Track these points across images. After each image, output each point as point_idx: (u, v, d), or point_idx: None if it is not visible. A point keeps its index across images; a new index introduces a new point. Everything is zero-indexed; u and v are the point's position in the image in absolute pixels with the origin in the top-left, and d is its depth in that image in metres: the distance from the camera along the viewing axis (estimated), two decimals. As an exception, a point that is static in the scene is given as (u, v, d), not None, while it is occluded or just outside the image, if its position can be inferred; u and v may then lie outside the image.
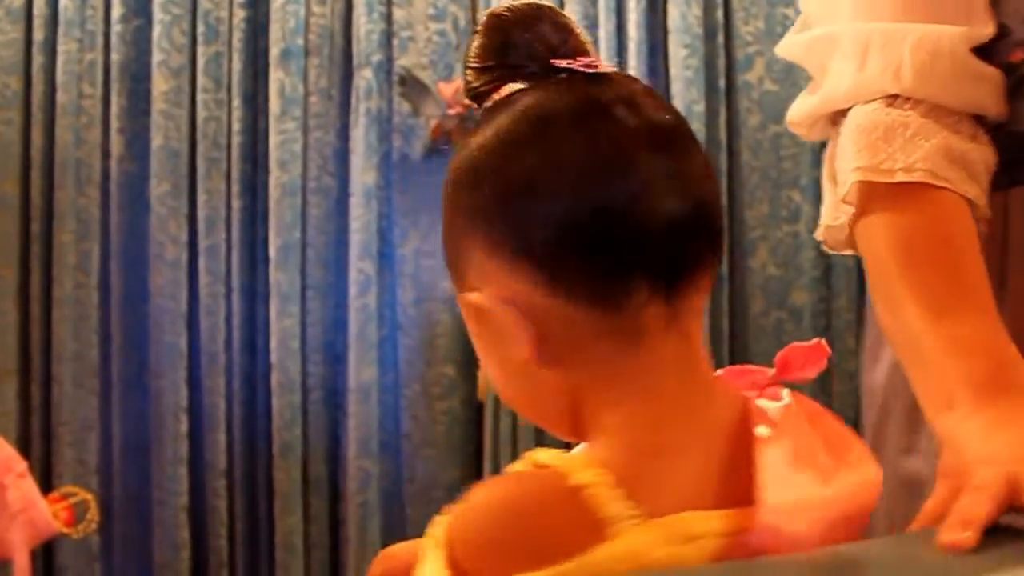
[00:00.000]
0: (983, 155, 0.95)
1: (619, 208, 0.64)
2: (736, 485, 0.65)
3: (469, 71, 0.71)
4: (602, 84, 0.68)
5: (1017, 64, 0.97)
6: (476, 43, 0.71)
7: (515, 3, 0.70)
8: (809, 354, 0.73)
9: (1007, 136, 0.99)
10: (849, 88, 0.96)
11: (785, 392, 0.72)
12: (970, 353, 0.82)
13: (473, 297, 0.67)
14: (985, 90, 0.96)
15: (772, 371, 0.73)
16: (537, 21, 0.69)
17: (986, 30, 0.95)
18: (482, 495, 0.64)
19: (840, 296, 2.60)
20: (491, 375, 0.72)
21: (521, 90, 0.68)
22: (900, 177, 0.90)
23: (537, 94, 0.67)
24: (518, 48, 0.69)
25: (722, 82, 2.59)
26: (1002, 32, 0.97)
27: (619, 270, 0.64)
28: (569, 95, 0.67)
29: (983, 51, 0.96)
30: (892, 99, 0.95)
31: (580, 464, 0.63)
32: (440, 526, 0.63)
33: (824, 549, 0.67)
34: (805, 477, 0.67)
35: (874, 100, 0.95)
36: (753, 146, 2.61)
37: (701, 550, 0.62)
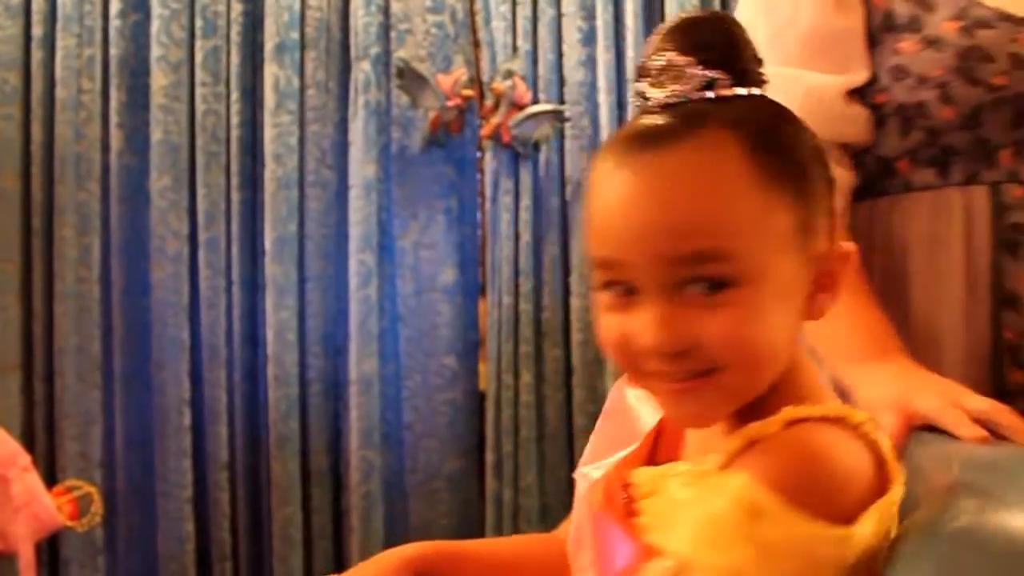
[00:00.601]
0: (844, 176, 1.29)
1: None
2: None
3: (748, 60, 0.80)
4: None
5: (880, 105, 1.30)
6: (746, 44, 0.80)
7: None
8: None
9: (874, 159, 1.32)
10: None
11: None
12: (866, 325, 1.14)
13: (849, 247, 0.81)
14: (852, 127, 1.30)
15: None
16: None
17: (861, 76, 1.28)
18: (802, 448, 0.71)
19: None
20: (772, 332, 0.76)
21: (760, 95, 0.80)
22: None
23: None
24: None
25: (719, 71, 2.60)
26: (872, 80, 1.29)
27: None
28: None
29: (861, 90, 1.30)
30: None
31: (847, 409, 0.75)
32: (745, 492, 0.68)
33: None
34: None
35: None
36: (751, 135, 2.62)
37: None
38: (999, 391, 1.20)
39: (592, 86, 2.55)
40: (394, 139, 2.56)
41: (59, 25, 2.55)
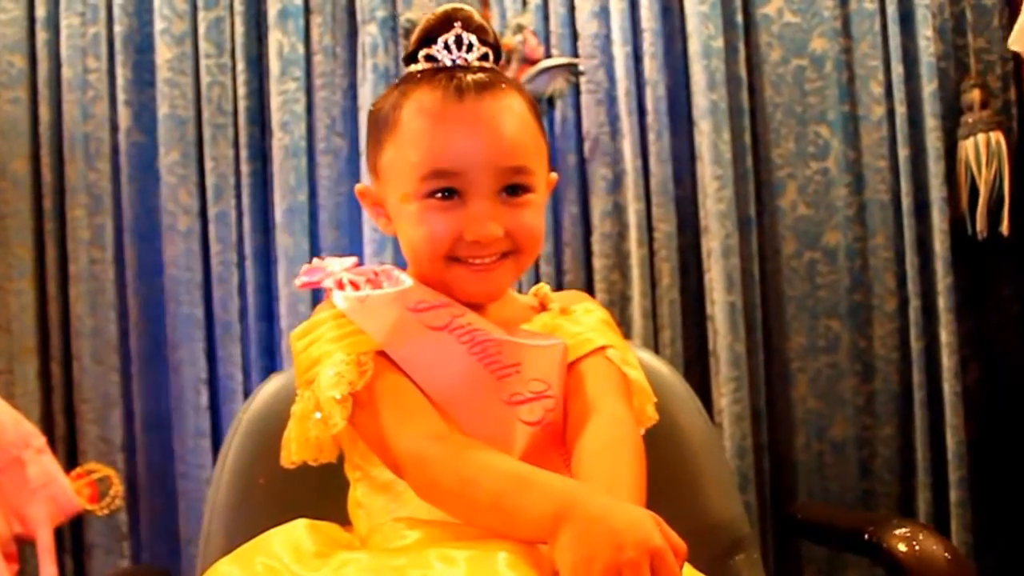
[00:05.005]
0: None
1: None
2: None
3: (496, 41, 1.15)
4: None
5: None
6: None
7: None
8: None
9: None
10: None
11: None
12: None
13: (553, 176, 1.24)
14: None
15: None
16: None
17: None
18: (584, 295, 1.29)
19: (876, 235, 2.48)
20: (542, 226, 1.15)
21: None
22: None
23: None
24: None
25: (740, 17, 2.49)
26: None
27: None
28: None
29: None
30: None
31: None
32: None
33: None
34: None
35: None
36: (775, 81, 2.50)
37: None
38: None
39: (606, 38, 2.46)
40: (404, 103, 2.48)
41: (62, 5, 2.52)
